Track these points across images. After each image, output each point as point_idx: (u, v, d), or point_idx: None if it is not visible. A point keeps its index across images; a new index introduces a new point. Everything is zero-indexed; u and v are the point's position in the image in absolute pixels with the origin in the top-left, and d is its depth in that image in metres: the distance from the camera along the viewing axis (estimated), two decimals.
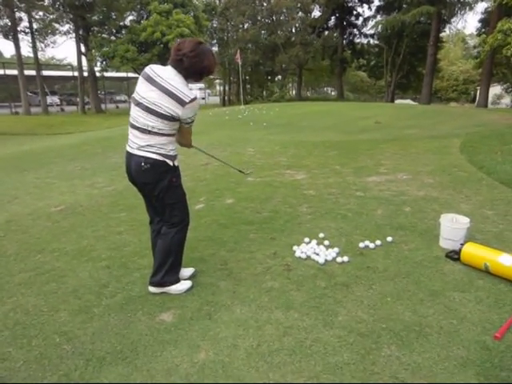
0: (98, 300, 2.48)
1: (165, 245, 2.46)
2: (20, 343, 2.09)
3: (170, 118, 2.20)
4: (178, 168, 2.42)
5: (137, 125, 2.26)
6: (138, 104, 2.24)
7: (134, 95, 2.28)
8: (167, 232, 2.46)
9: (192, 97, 2.19)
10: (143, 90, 2.22)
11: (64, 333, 2.16)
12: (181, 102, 2.16)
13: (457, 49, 53.59)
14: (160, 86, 2.17)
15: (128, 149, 2.34)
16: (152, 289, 2.52)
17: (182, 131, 2.37)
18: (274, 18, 31.28)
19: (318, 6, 32.34)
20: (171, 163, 2.32)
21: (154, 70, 2.23)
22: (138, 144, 2.27)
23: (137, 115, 2.25)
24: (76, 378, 1.84)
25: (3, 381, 1.84)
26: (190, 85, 2.33)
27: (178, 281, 2.53)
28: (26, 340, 2.11)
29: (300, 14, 31.49)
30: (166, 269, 2.46)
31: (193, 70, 2.23)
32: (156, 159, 2.25)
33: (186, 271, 2.69)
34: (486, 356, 1.88)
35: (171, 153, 2.31)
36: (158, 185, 2.31)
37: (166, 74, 2.20)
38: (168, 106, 2.17)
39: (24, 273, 2.88)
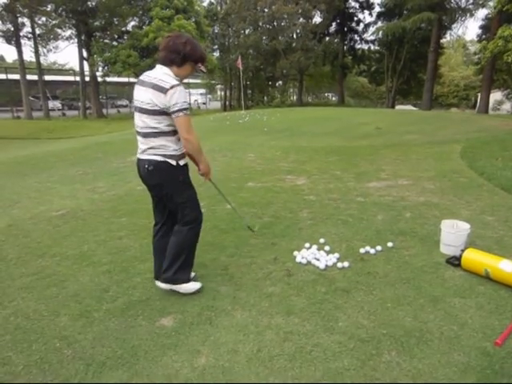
0: (98, 304, 2.48)
1: (178, 241, 2.48)
2: (20, 347, 2.09)
3: (158, 112, 2.23)
4: (186, 167, 2.44)
5: (138, 129, 2.36)
6: (135, 108, 2.35)
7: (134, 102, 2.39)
8: (180, 229, 2.48)
9: (173, 83, 2.19)
10: (135, 93, 2.34)
11: (64, 337, 2.16)
12: (161, 90, 2.19)
13: (457, 55, 53.78)
14: (147, 83, 2.27)
15: (137, 154, 2.45)
16: (162, 285, 2.54)
17: (177, 127, 2.26)
18: (275, 23, 31.43)
19: (318, 12, 32.51)
20: (174, 163, 2.34)
21: (145, 73, 2.36)
22: (141, 148, 2.37)
23: (136, 120, 2.35)
24: (76, 383, 1.83)
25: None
26: (191, 90, 2.35)
27: (188, 280, 2.56)
28: (27, 344, 2.11)
29: (301, 19, 31.62)
30: (178, 265, 2.48)
31: (171, 56, 2.26)
32: (158, 160, 2.31)
33: None
34: (487, 362, 1.87)
35: (173, 152, 2.34)
36: (166, 184, 2.37)
37: (153, 72, 2.31)
38: (152, 98, 2.21)
39: (25, 277, 2.89)
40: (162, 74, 2.26)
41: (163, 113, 2.23)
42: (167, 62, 2.28)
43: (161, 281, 2.54)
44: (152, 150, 2.31)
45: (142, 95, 2.26)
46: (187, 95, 2.32)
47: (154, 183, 2.41)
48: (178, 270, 2.49)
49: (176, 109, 2.20)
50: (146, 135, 2.30)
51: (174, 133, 2.33)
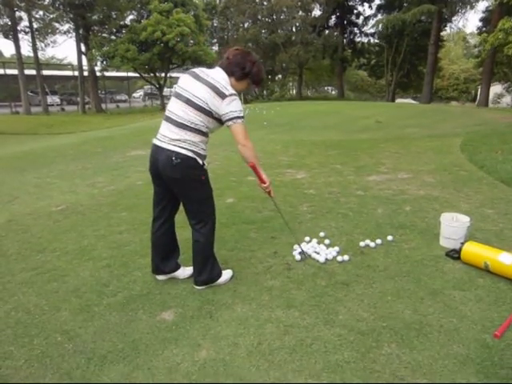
0: (99, 299, 2.48)
1: (201, 246, 2.48)
2: (21, 342, 2.10)
3: (208, 113, 2.23)
4: (205, 167, 2.42)
5: (173, 117, 2.28)
6: (179, 96, 2.28)
7: (176, 89, 2.33)
8: (198, 237, 2.46)
9: (232, 92, 2.22)
10: (187, 84, 2.29)
11: (65, 332, 2.17)
12: (220, 94, 2.20)
13: (457, 48, 53.47)
14: (204, 80, 2.25)
15: (156, 142, 2.34)
16: (199, 287, 2.54)
17: (234, 134, 2.29)
18: (274, 17, 31.26)
19: (318, 5, 32.32)
20: (201, 162, 2.33)
21: (201, 69, 2.36)
22: (169, 137, 2.26)
23: (175, 107, 2.28)
24: (77, 377, 1.84)
25: (5, 380, 1.85)
26: None
27: (221, 272, 2.59)
28: (28, 339, 2.12)
29: (300, 13, 31.43)
30: (210, 266, 2.51)
31: (233, 69, 2.31)
32: (187, 155, 2.26)
33: (188, 270, 2.69)
34: (486, 354, 1.88)
35: (202, 152, 2.34)
36: (187, 181, 2.32)
37: (212, 72, 2.31)
38: (206, 97, 2.21)
39: (25, 272, 2.89)
40: (221, 78, 2.26)
41: (210, 114, 2.24)
42: (228, 72, 2.30)
43: (197, 285, 2.54)
44: (184, 143, 2.25)
45: (196, 89, 2.23)
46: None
47: (175, 177, 2.30)
48: (211, 269, 2.52)
49: (234, 116, 2.22)
50: (182, 126, 2.24)
51: (207, 134, 2.35)
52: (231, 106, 2.21)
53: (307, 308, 2.31)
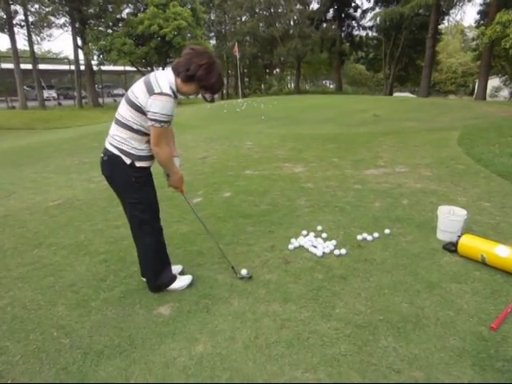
0: (95, 294, 2.48)
1: (140, 252, 2.44)
2: (18, 337, 2.09)
3: (137, 108, 2.10)
4: (144, 170, 2.25)
5: (115, 116, 2.24)
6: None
7: None
8: (136, 236, 2.41)
9: (164, 91, 2.03)
10: (134, 84, 2.21)
11: (62, 327, 2.16)
12: (150, 90, 2.06)
13: (455, 41, 53.32)
14: (147, 78, 2.14)
15: None
16: (151, 293, 2.48)
17: (150, 135, 2.13)
18: (272, 10, 31.07)
19: None
20: (129, 161, 2.17)
21: (155, 71, 2.21)
22: (108, 134, 2.26)
23: (119, 107, 2.23)
24: (74, 372, 1.84)
25: (1, 375, 1.84)
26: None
27: (174, 279, 2.48)
28: (24, 334, 2.11)
29: (298, 6, 31.23)
30: (155, 273, 2.42)
31: (180, 69, 2.12)
32: (112, 153, 2.19)
33: (174, 269, 2.63)
34: (482, 346, 1.89)
35: (133, 151, 2.17)
36: (115, 180, 2.27)
37: (159, 72, 2.17)
38: (139, 93, 2.09)
39: (21, 267, 2.88)
40: (164, 76, 2.10)
41: (139, 109, 2.10)
42: (175, 72, 2.11)
43: (149, 289, 2.47)
44: (113, 139, 2.20)
45: (136, 86, 2.15)
46: (173, 109, 2.10)
47: (105, 174, 2.30)
48: (157, 277, 2.42)
49: (153, 118, 2.05)
50: (116, 122, 2.20)
51: (143, 134, 2.16)
52: (153, 107, 2.03)
53: (304, 302, 2.31)
